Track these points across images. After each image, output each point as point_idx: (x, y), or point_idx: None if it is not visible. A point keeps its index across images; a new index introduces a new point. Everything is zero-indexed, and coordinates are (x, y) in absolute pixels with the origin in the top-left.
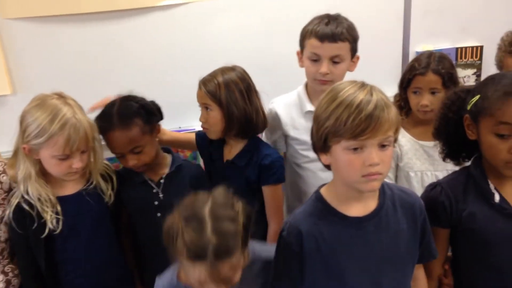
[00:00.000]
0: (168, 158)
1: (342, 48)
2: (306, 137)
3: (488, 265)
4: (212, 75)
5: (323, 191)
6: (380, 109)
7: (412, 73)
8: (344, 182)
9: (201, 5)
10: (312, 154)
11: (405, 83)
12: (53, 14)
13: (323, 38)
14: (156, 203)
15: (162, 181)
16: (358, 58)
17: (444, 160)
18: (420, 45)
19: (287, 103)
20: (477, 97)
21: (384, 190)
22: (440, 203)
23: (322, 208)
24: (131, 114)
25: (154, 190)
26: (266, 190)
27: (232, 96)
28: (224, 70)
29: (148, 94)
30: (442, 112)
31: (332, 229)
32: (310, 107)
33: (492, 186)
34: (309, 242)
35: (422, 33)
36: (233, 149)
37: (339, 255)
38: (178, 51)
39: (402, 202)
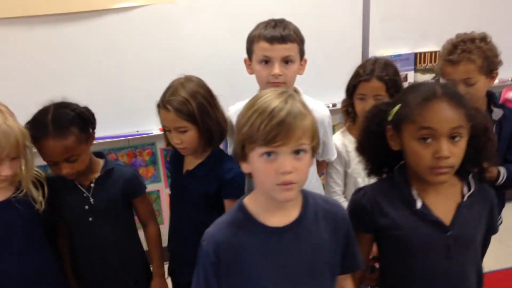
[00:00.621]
0: (101, 163)
1: (291, 48)
2: None
3: (413, 272)
4: (173, 92)
5: (246, 200)
6: (293, 116)
7: (357, 79)
8: (262, 191)
9: (158, 8)
10: None
11: (351, 89)
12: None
13: (272, 40)
14: (86, 207)
15: (92, 185)
16: (305, 61)
17: (368, 176)
18: (379, 50)
19: (238, 111)
20: (398, 106)
21: (307, 200)
22: (362, 206)
23: (243, 218)
24: (67, 123)
25: (85, 195)
26: (227, 203)
27: (202, 108)
28: (182, 83)
29: (105, 98)
30: (364, 126)
31: (251, 239)
32: None
33: (415, 193)
34: (226, 253)
35: (381, 38)
36: (195, 159)
37: (257, 266)
38: (135, 55)
39: (325, 212)
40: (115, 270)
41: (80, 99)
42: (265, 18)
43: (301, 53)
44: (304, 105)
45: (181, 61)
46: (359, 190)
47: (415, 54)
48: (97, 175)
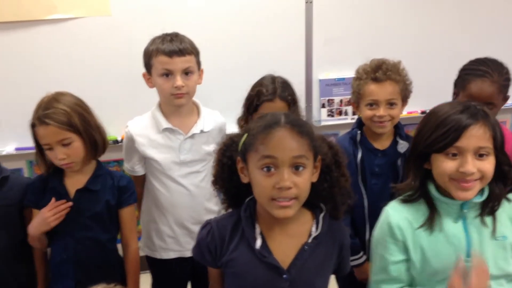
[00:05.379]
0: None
1: (190, 60)
2: (166, 155)
3: None
4: (46, 106)
5: None
6: None
7: (260, 99)
8: None
9: (94, 20)
10: (172, 173)
11: (252, 109)
12: None
13: (171, 53)
14: None
15: None
16: (202, 71)
17: (226, 210)
18: (323, 73)
19: (142, 125)
20: (245, 135)
21: None
22: (206, 245)
23: None
24: None
25: None
26: (127, 211)
27: (84, 118)
28: (54, 97)
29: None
30: (217, 158)
31: None
32: (166, 124)
33: (257, 231)
34: None
35: (324, 62)
36: (80, 177)
37: None
38: (70, 66)
39: None
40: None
41: (9, 109)
42: (203, 33)
43: (198, 64)
44: None
45: (116, 74)
46: (206, 225)
47: None
48: None
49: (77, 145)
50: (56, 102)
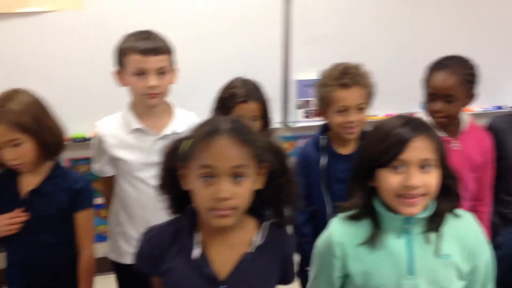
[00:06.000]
0: None
1: (164, 60)
2: (136, 156)
3: None
4: (0, 105)
5: None
6: None
7: (234, 101)
8: None
9: (66, 14)
10: (142, 174)
11: (225, 111)
12: None
13: (146, 52)
14: None
15: None
16: (177, 70)
17: (172, 216)
18: (301, 74)
19: (111, 125)
20: (186, 142)
21: None
22: (144, 252)
23: None
24: None
25: None
26: (82, 215)
27: (37, 118)
28: (10, 96)
29: None
30: (162, 162)
31: None
32: (136, 124)
33: (196, 240)
34: None
35: (302, 62)
36: (34, 178)
37: None
38: (40, 61)
39: None
40: None
41: None
42: (179, 31)
43: (173, 63)
44: None
45: (87, 70)
46: (147, 232)
47: None
48: None
49: (28, 146)
50: (9, 100)
